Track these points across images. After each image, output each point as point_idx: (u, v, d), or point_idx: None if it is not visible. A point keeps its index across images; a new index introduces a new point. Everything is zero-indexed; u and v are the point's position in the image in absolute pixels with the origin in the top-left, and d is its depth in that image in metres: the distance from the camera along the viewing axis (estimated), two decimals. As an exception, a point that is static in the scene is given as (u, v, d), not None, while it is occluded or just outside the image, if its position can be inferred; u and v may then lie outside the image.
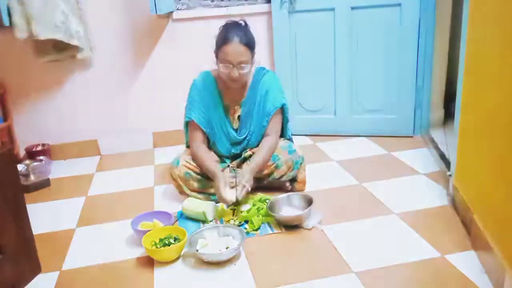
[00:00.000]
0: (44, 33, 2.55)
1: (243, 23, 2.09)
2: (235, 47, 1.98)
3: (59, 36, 2.59)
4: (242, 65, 2.01)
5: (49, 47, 2.71)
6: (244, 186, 1.96)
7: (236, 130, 2.23)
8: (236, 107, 2.21)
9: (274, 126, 2.20)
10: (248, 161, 2.23)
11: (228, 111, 2.22)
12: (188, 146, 2.31)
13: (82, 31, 2.73)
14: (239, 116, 2.22)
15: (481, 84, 1.66)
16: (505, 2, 1.42)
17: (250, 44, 2.02)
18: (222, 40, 2.00)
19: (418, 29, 2.76)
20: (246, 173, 2.02)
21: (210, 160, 2.12)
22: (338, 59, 2.94)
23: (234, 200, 1.94)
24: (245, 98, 2.20)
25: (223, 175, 2.03)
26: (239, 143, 2.24)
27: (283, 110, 2.22)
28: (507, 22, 1.40)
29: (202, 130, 2.17)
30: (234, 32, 2.00)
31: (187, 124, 2.21)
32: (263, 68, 2.24)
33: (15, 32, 2.54)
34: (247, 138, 2.22)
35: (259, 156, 2.10)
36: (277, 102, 2.17)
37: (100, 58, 2.92)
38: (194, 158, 2.17)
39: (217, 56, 2.06)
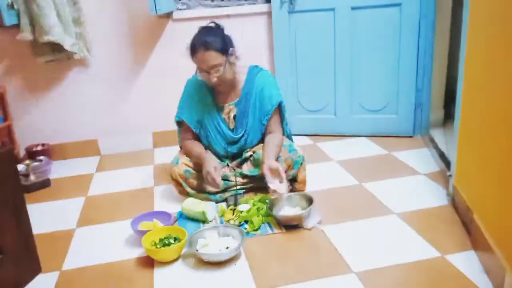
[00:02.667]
0: (42, 37, 2.57)
1: (213, 25, 2.08)
2: (203, 55, 1.99)
3: (54, 38, 2.59)
4: (216, 68, 2.01)
5: (46, 48, 2.71)
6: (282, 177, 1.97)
7: (232, 130, 2.23)
8: (230, 106, 2.22)
9: (276, 124, 2.21)
10: (248, 161, 2.24)
11: (222, 111, 2.22)
12: (181, 146, 2.33)
13: (74, 35, 2.73)
14: (234, 116, 2.22)
15: (481, 84, 1.66)
16: (505, 1, 1.42)
17: (217, 47, 1.99)
18: (190, 51, 2.03)
19: (418, 29, 2.76)
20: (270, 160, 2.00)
21: (198, 147, 2.17)
22: (338, 59, 2.94)
23: (221, 184, 2.02)
24: (240, 98, 2.20)
25: (212, 158, 2.09)
26: (235, 142, 2.24)
27: (280, 107, 2.22)
28: (507, 21, 1.40)
29: (192, 130, 2.21)
30: (199, 40, 2.00)
31: (178, 123, 2.27)
32: (256, 67, 2.24)
33: (21, 35, 2.58)
34: (244, 137, 2.23)
35: (271, 146, 2.08)
36: (274, 100, 2.18)
37: (100, 58, 2.92)
38: (186, 152, 2.22)
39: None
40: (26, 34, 2.60)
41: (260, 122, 2.20)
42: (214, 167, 2.02)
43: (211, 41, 1.99)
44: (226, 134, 2.21)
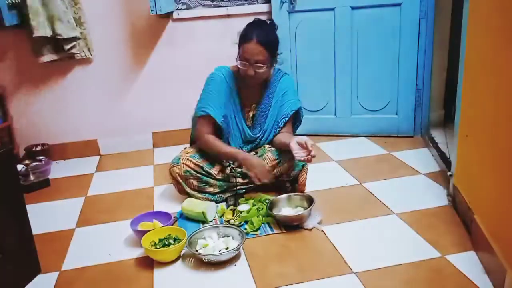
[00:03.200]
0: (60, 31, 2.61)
1: (268, 22, 2.10)
2: (253, 46, 1.99)
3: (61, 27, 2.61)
4: (258, 64, 2.02)
5: (48, 48, 2.71)
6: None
7: (249, 128, 2.24)
8: (252, 105, 2.23)
9: (289, 127, 2.26)
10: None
11: (244, 110, 2.23)
12: (193, 141, 2.32)
13: (78, 34, 2.74)
14: (253, 115, 2.23)
15: (481, 84, 1.66)
16: (505, 1, 1.42)
17: (269, 45, 2.02)
18: (242, 38, 2.03)
19: (418, 29, 2.76)
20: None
21: (225, 145, 2.14)
22: (338, 59, 2.94)
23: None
24: (262, 98, 2.22)
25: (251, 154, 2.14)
26: (251, 141, 2.26)
27: (298, 113, 2.27)
28: (507, 21, 1.40)
29: (215, 126, 2.15)
30: (255, 31, 2.02)
31: (201, 117, 2.15)
32: (280, 70, 2.26)
33: (36, 33, 2.57)
34: (259, 137, 2.25)
35: (287, 135, 2.16)
36: (294, 105, 2.22)
37: (100, 58, 2.92)
38: (207, 147, 2.14)
39: (238, 52, 2.08)
40: (44, 31, 2.59)
41: (276, 123, 2.23)
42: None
43: (268, 38, 2.02)
44: (246, 132, 2.23)
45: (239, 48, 2.06)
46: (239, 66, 2.06)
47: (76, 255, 1.84)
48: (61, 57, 2.78)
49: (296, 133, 2.98)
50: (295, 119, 2.30)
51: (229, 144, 2.21)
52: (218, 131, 2.18)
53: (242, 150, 2.23)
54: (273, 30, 2.09)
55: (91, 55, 2.84)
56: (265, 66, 2.04)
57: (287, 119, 2.21)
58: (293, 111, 2.21)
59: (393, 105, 2.94)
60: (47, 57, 2.74)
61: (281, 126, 2.23)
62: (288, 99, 2.21)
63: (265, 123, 2.23)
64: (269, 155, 2.17)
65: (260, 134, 2.25)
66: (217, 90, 2.14)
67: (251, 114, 2.24)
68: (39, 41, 2.65)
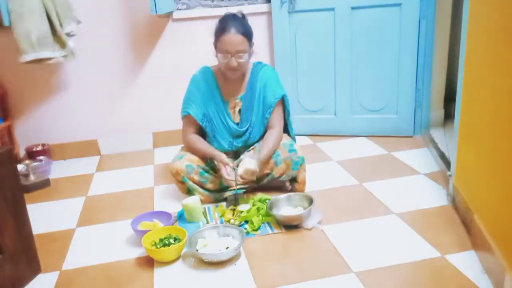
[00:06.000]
0: (25, 55, 2.54)
1: (240, 15, 2.13)
2: (233, 36, 2.02)
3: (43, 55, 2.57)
4: (240, 54, 2.05)
5: (30, 47, 2.66)
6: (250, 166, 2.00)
7: (237, 124, 2.24)
8: (236, 101, 2.23)
9: (277, 118, 2.22)
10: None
11: (228, 105, 2.23)
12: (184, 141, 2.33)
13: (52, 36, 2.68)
14: (239, 110, 2.23)
15: (481, 84, 1.66)
16: (505, 1, 1.42)
17: (247, 34, 2.07)
18: (220, 31, 2.06)
19: (418, 29, 2.76)
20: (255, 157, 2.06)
21: (208, 146, 2.18)
22: (338, 59, 2.94)
23: (250, 168, 1.98)
24: (245, 92, 2.22)
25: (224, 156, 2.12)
26: (240, 135, 2.26)
27: (283, 101, 2.24)
28: (507, 21, 1.40)
29: (198, 124, 2.21)
30: (231, 22, 2.05)
31: (184, 118, 2.24)
32: (260, 63, 2.28)
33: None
34: (249, 130, 2.24)
35: (265, 149, 2.11)
36: (277, 93, 2.20)
37: (100, 58, 2.92)
38: (191, 147, 2.21)
39: (216, 47, 2.10)
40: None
41: (263, 116, 2.23)
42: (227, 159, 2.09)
43: (244, 26, 2.06)
44: (232, 127, 2.23)
45: (216, 43, 2.08)
46: (219, 60, 2.08)
47: (76, 255, 1.84)
48: (44, 58, 2.72)
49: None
50: (284, 109, 2.27)
51: (216, 139, 2.24)
52: (202, 130, 2.23)
53: (233, 145, 2.26)
54: (246, 20, 2.13)
55: (74, 57, 2.75)
56: (246, 55, 2.08)
57: (271, 109, 2.20)
58: (276, 100, 2.19)
59: (393, 105, 2.94)
60: (29, 56, 2.67)
61: (268, 117, 2.22)
62: (271, 89, 2.20)
63: (251, 116, 2.23)
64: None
65: (249, 128, 2.24)
66: (196, 89, 2.20)
67: (237, 109, 2.24)
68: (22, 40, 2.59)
